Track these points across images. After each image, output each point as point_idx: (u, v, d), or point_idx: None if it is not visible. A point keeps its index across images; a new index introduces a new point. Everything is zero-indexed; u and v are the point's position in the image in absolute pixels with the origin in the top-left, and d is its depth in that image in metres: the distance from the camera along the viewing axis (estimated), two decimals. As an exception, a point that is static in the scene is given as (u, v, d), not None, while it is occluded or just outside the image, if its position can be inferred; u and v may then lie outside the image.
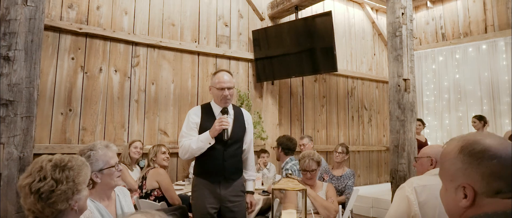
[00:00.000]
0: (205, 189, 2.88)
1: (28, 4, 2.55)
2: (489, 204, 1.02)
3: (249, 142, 3.07)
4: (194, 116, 2.95)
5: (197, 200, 2.91)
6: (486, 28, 7.30)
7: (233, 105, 3.08)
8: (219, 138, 2.83)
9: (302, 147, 5.16)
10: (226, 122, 2.78)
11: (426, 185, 2.03)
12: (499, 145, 1.06)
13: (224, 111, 2.92)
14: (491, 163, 1.03)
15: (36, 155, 3.74)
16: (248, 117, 3.10)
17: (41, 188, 1.46)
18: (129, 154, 4.57)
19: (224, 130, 2.78)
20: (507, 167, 1.02)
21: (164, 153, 3.87)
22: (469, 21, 7.57)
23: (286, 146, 4.45)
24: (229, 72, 3.00)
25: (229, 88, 2.89)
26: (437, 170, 2.15)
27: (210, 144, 2.81)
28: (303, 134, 6.90)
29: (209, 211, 2.84)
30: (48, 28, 4.51)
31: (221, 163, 2.86)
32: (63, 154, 1.63)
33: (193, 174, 3.01)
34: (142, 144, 4.72)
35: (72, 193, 1.51)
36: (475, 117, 6.47)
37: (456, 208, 1.10)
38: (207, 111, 2.96)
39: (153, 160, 3.83)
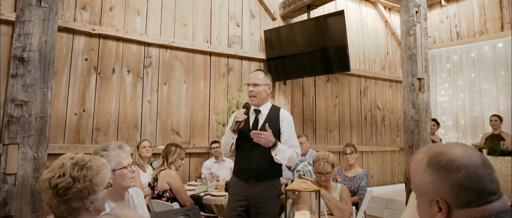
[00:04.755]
0: (235, 186, 2.97)
1: (42, 5, 2.58)
2: (463, 215, 1.02)
3: (285, 143, 2.92)
4: (233, 115, 3.01)
5: (229, 197, 3.04)
6: (502, 26, 7.15)
7: (274, 106, 3.06)
8: (247, 137, 2.86)
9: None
10: (239, 116, 2.82)
11: (443, 186, 1.98)
12: (464, 154, 1.05)
13: (245, 106, 2.95)
14: (458, 175, 1.02)
15: (51, 155, 3.79)
16: (284, 117, 2.97)
17: (59, 183, 1.48)
18: (139, 155, 4.58)
19: (237, 122, 2.82)
20: (474, 177, 1.01)
21: (182, 159, 3.84)
22: (485, 19, 7.43)
23: None
24: (263, 71, 3.05)
25: (253, 85, 2.92)
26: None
27: (233, 138, 2.90)
28: (315, 134, 6.86)
29: (237, 208, 2.89)
30: (62, 29, 4.56)
31: (247, 162, 2.89)
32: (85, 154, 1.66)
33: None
34: (150, 142, 4.74)
35: (88, 193, 1.52)
36: (496, 115, 6.36)
37: None
38: (247, 106, 3.00)
39: (172, 163, 3.77)
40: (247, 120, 2.93)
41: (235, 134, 2.88)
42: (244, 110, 2.89)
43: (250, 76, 3.01)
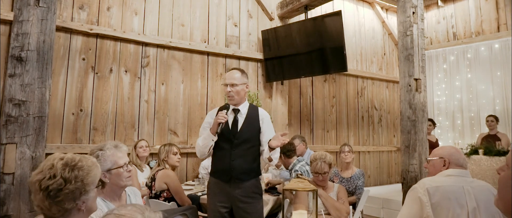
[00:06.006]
0: (216, 187, 2.94)
1: (40, 5, 2.58)
2: None
3: (266, 142, 2.91)
4: (209, 116, 3.00)
5: (209, 198, 2.99)
6: (498, 27, 7.19)
7: (251, 105, 3.05)
8: (226, 136, 2.87)
9: None
10: (222, 117, 2.79)
11: (439, 186, 2.00)
12: None
13: (225, 107, 2.92)
14: None
15: (48, 155, 3.78)
16: (264, 117, 2.99)
17: (50, 185, 1.46)
18: (137, 155, 4.58)
19: (219, 124, 2.79)
20: None
21: (175, 153, 3.81)
22: (481, 20, 7.47)
23: (286, 149, 4.33)
24: (239, 69, 3.00)
25: (231, 85, 2.90)
26: (450, 171, 2.12)
27: (213, 140, 2.86)
28: (312, 134, 6.88)
29: (219, 209, 2.87)
30: (59, 29, 4.55)
31: (228, 162, 2.87)
32: (74, 153, 1.64)
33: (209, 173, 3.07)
34: (148, 142, 4.73)
35: (80, 193, 1.51)
36: (493, 116, 6.40)
37: None
38: (227, 107, 2.96)
39: (165, 161, 3.78)
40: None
41: (216, 136, 2.85)
42: (225, 110, 2.87)
43: (226, 76, 2.97)
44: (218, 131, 2.80)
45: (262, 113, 3.02)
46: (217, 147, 2.93)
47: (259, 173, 3.00)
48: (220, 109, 2.92)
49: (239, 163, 2.86)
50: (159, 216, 1.20)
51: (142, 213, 1.14)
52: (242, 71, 3.00)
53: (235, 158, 2.86)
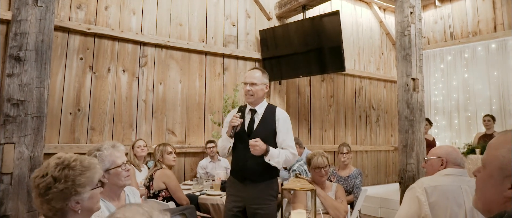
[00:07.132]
0: (231, 186, 2.94)
1: (38, 4, 2.58)
2: None
3: (281, 143, 2.87)
4: (228, 116, 2.98)
5: (226, 197, 3.00)
6: (495, 27, 7.22)
7: (270, 105, 2.99)
8: (242, 137, 2.85)
9: None
10: (235, 121, 2.76)
11: (437, 185, 2.01)
12: None
13: (239, 109, 2.89)
14: None
15: (46, 155, 3.78)
16: (280, 117, 2.91)
17: (40, 183, 1.46)
18: (134, 155, 4.58)
19: (233, 127, 2.77)
20: None
21: (170, 153, 3.79)
22: (478, 20, 7.50)
23: None
24: (260, 69, 2.96)
25: (250, 84, 2.85)
26: (448, 170, 2.13)
27: (230, 142, 2.85)
28: (310, 134, 6.89)
29: (232, 208, 2.87)
30: (57, 28, 4.53)
31: (243, 163, 2.84)
32: (74, 153, 1.63)
33: None
34: (145, 142, 4.73)
35: (70, 194, 1.48)
36: (489, 115, 6.42)
37: (497, 196, 1.10)
38: (242, 110, 2.93)
39: (160, 161, 3.78)
40: (244, 117, 2.89)
41: (232, 139, 2.83)
42: (240, 113, 2.83)
43: (247, 75, 2.94)
44: (231, 134, 2.78)
45: (279, 113, 2.94)
46: (234, 146, 2.92)
47: (275, 175, 2.93)
48: (238, 110, 2.88)
49: (252, 164, 2.81)
50: None
51: (150, 216, 1.10)
52: (263, 71, 2.95)
53: (249, 159, 2.80)
